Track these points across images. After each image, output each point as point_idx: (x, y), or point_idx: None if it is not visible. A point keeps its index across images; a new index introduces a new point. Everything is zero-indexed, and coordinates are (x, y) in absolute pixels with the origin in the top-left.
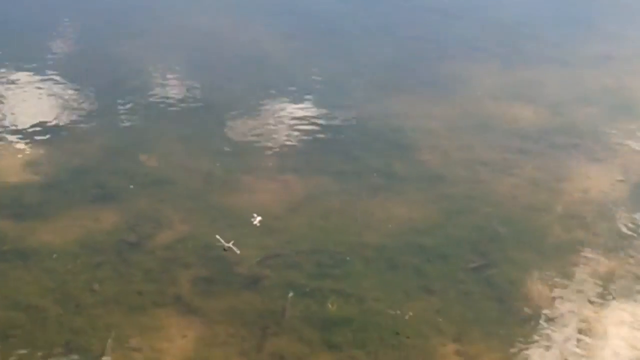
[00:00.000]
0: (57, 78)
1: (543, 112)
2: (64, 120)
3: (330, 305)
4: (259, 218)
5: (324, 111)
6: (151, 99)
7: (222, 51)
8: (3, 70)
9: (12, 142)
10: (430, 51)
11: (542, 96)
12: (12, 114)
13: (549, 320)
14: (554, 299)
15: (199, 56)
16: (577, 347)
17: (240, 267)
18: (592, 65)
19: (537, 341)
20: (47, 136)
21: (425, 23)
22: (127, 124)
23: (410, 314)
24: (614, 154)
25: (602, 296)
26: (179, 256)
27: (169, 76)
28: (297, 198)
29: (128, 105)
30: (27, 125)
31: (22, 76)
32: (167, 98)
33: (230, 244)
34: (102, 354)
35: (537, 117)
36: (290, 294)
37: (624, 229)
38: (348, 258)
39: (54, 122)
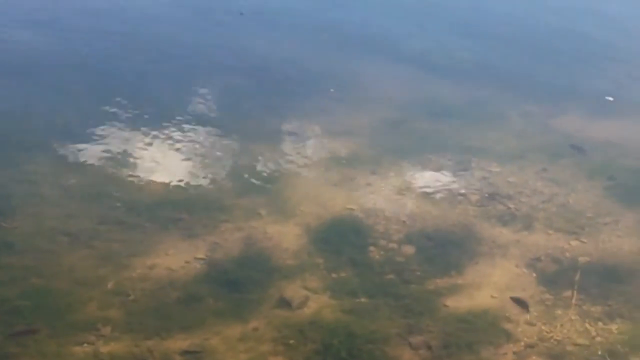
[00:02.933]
0: None
1: (173, 185)
2: None
3: None
4: None
5: None
6: None
7: None
8: None
9: None
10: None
11: (181, 169)
12: None
13: None
14: None
15: None
16: None
17: None
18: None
19: None
20: None
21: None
22: None
23: None
24: (213, 230)
25: None
26: None
27: None
28: None
29: None
30: None
31: None
32: None
33: None
34: None
35: (161, 189)
36: None
37: (164, 308)
38: None
39: None
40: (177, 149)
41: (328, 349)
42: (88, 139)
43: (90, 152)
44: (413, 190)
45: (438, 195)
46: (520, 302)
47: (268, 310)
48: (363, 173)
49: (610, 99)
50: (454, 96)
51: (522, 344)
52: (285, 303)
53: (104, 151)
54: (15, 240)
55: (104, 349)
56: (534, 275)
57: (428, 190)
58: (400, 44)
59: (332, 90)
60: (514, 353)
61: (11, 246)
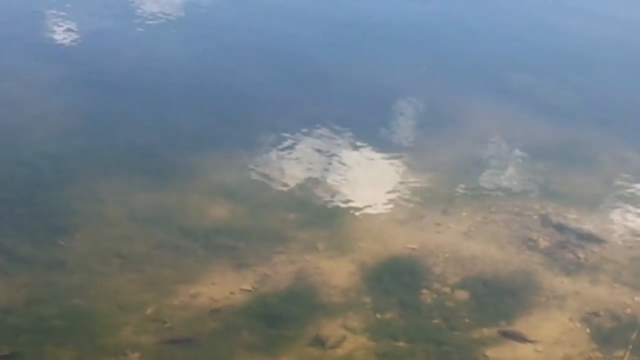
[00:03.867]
0: None
1: (236, 213)
2: None
3: None
4: None
5: None
6: None
7: None
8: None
9: None
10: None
11: (252, 194)
12: None
13: None
14: None
15: None
16: None
17: None
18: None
19: None
20: None
21: None
22: None
23: None
24: (265, 261)
25: None
26: None
27: None
28: None
29: None
30: None
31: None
32: None
33: None
34: None
35: (224, 216)
36: None
37: (197, 338)
38: None
39: None
40: (246, 177)
41: None
42: (163, 160)
43: (162, 175)
44: (481, 233)
45: (505, 240)
46: (513, 335)
47: (300, 348)
48: (434, 212)
49: None
50: (550, 136)
51: None
52: (319, 342)
53: (173, 174)
54: (68, 259)
55: None
56: (588, 330)
57: (497, 234)
58: (506, 77)
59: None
60: None
61: (63, 265)
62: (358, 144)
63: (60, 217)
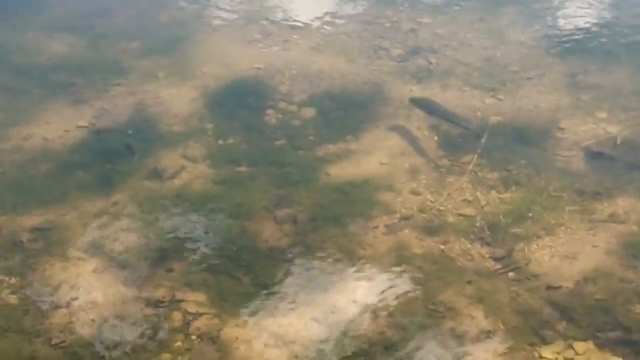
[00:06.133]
0: None
1: (77, 47)
2: None
3: None
4: None
5: None
6: None
7: None
8: None
9: None
10: None
11: (93, 25)
12: None
13: None
14: None
15: None
16: None
17: None
18: None
19: None
20: None
21: None
22: None
23: None
24: (103, 95)
25: None
26: None
27: None
28: None
29: None
30: None
31: None
32: None
33: None
34: None
35: (63, 50)
36: None
37: (28, 182)
38: None
39: None
40: (88, 8)
41: (185, 224)
42: None
43: None
44: (331, 47)
45: (356, 51)
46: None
47: (136, 182)
48: (282, 29)
49: None
50: None
51: (398, 215)
52: (156, 174)
53: (11, 12)
54: None
55: None
56: (436, 138)
57: (347, 45)
58: None
59: None
60: (386, 226)
61: None
62: None
63: None
